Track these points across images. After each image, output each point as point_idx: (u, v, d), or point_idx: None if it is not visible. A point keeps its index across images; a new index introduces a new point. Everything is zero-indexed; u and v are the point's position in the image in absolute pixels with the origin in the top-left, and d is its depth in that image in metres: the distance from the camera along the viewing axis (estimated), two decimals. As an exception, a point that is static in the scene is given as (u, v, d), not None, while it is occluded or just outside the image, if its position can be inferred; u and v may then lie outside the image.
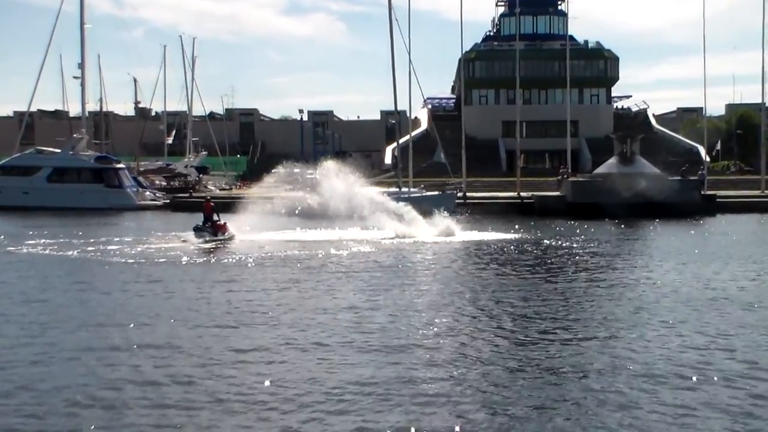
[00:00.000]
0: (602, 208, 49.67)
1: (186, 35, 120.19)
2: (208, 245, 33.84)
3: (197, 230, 35.78)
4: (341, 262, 27.92)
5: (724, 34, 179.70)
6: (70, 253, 31.25)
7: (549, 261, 28.33)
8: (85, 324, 17.12)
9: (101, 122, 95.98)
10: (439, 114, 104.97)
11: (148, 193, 73.31)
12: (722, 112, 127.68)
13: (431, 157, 79.97)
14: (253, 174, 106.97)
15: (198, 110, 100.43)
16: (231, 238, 36.19)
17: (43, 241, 35.61)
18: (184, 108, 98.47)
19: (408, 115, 76.05)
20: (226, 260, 28.99)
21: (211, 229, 35.92)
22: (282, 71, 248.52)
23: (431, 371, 13.04)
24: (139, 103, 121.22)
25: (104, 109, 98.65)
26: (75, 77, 76.62)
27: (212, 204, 37.65)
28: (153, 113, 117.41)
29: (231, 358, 14.05)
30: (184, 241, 35.09)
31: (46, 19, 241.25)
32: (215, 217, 36.60)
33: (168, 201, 69.08)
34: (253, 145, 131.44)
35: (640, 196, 51.23)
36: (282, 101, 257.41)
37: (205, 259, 29.44)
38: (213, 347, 14.88)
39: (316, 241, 35.11)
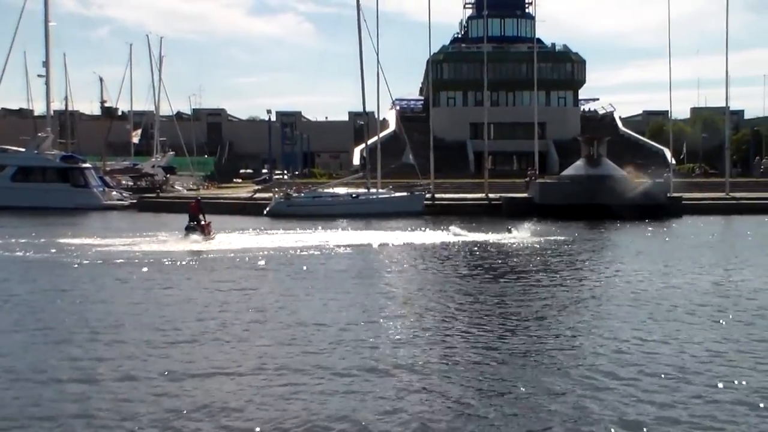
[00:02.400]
0: (570, 210, 49.94)
1: (153, 34, 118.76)
2: (194, 246, 33.75)
3: (188, 230, 36.06)
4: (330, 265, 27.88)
5: (688, 39, 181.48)
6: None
7: (504, 262, 28.40)
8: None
9: (66, 121, 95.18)
10: (407, 115, 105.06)
11: (114, 192, 72.89)
12: (687, 115, 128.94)
13: (399, 158, 79.92)
14: (220, 174, 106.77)
15: (165, 110, 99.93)
16: (213, 237, 36.32)
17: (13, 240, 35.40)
18: (151, 107, 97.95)
19: (376, 116, 75.99)
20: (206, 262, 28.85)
21: (199, 227, 36.16)
22: (250, 71, 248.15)
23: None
24: (105, 102, 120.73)
25: (70, 108, 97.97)
26: (40, 75, 76.00)
27: (199, 205, 37.77)
28: (119, 112, 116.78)
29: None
30: (178, 239, 35.26)
31: (10, 16, 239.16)
32: (201, 217, 36.75)
33: (135, 201, 68.68)
34: (221, 146, 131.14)
35: (607, 198, 51.69)
36: (250, 101, 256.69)
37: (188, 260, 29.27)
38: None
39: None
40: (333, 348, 14.60)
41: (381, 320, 17.16)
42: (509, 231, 37.75)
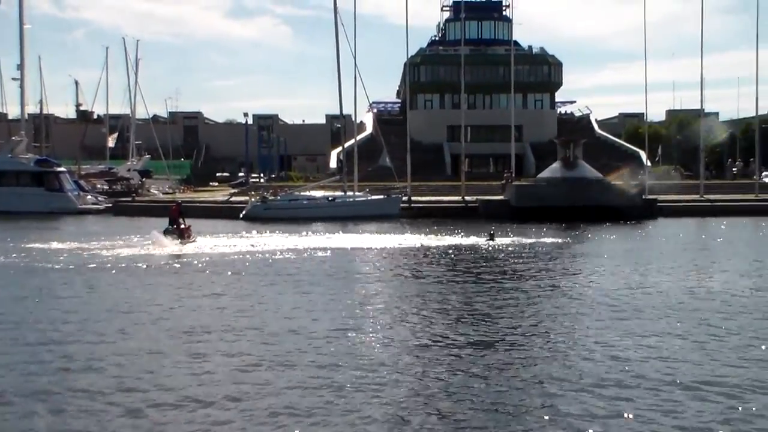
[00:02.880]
0: (546, 212, 50.12)
1: (129, 37, 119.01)
2: (174, 249, 33.73)
3: (167, 233, 36.12)
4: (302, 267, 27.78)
5: (664, 42, 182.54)
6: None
7: (479, 265, 28.42)
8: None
9: (41, 125, 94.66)
10: (384, 118, 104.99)
11: (89, 196, 72.41)
12: (663, 117, 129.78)
13: (376, 161, 79.80)
14: (197, 178, 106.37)
15: (141, 113, 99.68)
16: (194, 241, 36.40)
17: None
18: (127, 111, 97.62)
19: (353, 119, 75.89)
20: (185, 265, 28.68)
21: (178, 231, 36.16)
22: (227, 74, 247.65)
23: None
24: (81, 105, 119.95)
25: (44, 112, 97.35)
26: (14, 79, 75.65)
27: (180, 209, 37.79)
28: (95, 116, 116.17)
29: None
30: (154, 243, 35.16)
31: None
32: (180, 221, 36.75)
33: (110, 205, 68.32)
34: (197, 149, 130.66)
35: (583, 200, 52.02)
36: (227, 104, 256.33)
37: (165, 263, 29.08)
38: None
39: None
40: (300, 353, 14.54)
41: (350, 325, 17.09)
42: (491, 237, 37.29)
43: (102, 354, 14.52)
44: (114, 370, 13.42)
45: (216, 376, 12.98)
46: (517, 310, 18.74)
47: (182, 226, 36.60)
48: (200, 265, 28.32)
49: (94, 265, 28.28)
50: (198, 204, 62.91)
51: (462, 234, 40.20)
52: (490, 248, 33.60)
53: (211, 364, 13.68)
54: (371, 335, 15.99)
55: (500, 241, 36.32)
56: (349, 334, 15.95)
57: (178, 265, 28.54)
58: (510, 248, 33.57)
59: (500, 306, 19.33)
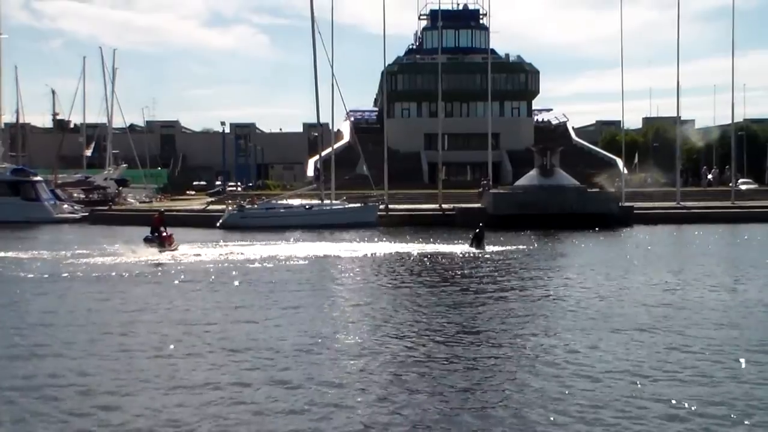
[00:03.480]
0: (523, 220, 50.28)
1: (106, 46, 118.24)
2: (155, 256, 33.88)
3: (146, 241, 36.29)
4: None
5: (640, 49, 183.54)
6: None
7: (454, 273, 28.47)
8: None
9: (17, 134, 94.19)
10: (361, 126, 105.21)
11: (66, 206, 72.10)
12: (639, 125, 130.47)
13: (354, 169, 79.96)
14: (173, 186, 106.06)
15: (118, 122, 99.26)
16: (176, 249, 36.55)
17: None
18: (104, 120, 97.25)
19: (330, 127, 76.13)
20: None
21: (158, 240, 36.28)
22: (204, 83, 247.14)
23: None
24: (58, 114, 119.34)
25: (21, 121, 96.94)
26: (-10, 88, 75.11)
27: (162, 218, 38.25)
28: (72, 125, 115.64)
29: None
30: (133, 251, 35.28)
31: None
32: (162, 229, 36.90)
33: (86, 214, 68.07)
34: (174, 158, 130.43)
35: (560, 208, 52.35)
36: (204, 113, 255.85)
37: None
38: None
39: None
40: (275, 363, 14.51)
41: (323, 334, 17.09)
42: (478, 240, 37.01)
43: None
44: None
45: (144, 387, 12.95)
46: (487, 321, 18.80)
47: (164, 234, 36.70)
48: (175, 273, 28.22)
49: (67, 274, 28.13)
50: (175, 212, 62.62)
51: (439, 241, 40.24)
52: (467, 256, 33.62)
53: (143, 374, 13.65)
54: (339, 348, 15.91)
55: (488, 247, 36.38)
56: (314, 348, 15.75)
57: (150, 275, 28.41)
58: (485, 256, 33.65)
59: (469, 316, 19.36)
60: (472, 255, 34.09)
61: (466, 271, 28.58)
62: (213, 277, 27.18)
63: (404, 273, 28.31)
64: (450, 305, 20.73)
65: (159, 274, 28.72)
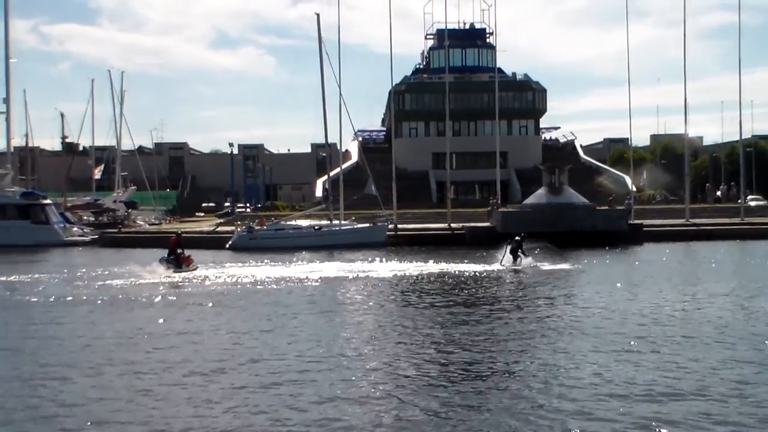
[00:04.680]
0: (532, 238, 50.09)
1: (114, 69, 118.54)
2: (171, 278, 34.10)
3: (162, 261, 36.77)
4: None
5: (648, 67, 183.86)
6: None
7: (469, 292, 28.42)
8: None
9: (27, 157, 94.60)
10: (369, 146, 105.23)
11: (75, 228, 72.28)
12: (647, 142, 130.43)
13: (362, 189, 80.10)
14: (182, 208, 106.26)
15: (127, 144, 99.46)
16: (195, 269, 36.92)
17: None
18: (113, 142, 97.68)
19: (338, 147, 76.18)
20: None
21: (175, 261, 36.61)
22: (211, 105, 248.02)
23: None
24: (67, 137, 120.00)
25: (30, 144, 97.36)
26: (0, 112, 75.42)
27: (179, 239, 38.44)
28: (81, 148, 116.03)
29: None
30: (151, 271, 35.61)
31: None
32: (179, 251, 37.23)
33: (96, 237, 68.16)
34: (183, 179, 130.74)
35: (569, 225, 52.27)
36: (212, 135, 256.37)
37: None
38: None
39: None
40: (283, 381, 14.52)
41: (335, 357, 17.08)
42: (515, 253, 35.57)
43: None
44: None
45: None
46: (495, 340, 18.79)
47: (182, 255, 37.07)
48: (188, 295, 28.24)
49: (71, 298, 28.09)
50: (184, 234, 62.64)
51: (466, 261, 39.83)
52: (489, 275, 33.48)
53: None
54: (350, 368, 15.90)
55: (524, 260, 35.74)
56: (323, 368, 15.81)
57: (160, 298, 28.40)
58: (491, 275, 33.61)
59: (479, 334, 19.33)
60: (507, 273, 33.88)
61: (473, 291, 28.49)
62: (242, 301, 26.79)
63: (414, 292, 28.26)
64: (456, 326, 20.68)
65: (179, 297, 28.56)
